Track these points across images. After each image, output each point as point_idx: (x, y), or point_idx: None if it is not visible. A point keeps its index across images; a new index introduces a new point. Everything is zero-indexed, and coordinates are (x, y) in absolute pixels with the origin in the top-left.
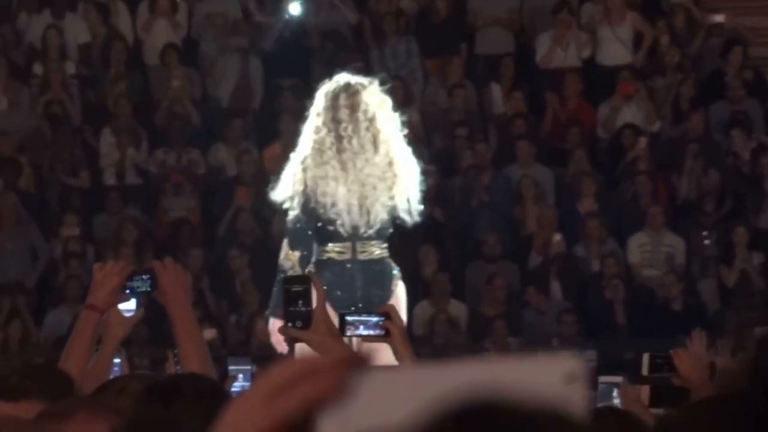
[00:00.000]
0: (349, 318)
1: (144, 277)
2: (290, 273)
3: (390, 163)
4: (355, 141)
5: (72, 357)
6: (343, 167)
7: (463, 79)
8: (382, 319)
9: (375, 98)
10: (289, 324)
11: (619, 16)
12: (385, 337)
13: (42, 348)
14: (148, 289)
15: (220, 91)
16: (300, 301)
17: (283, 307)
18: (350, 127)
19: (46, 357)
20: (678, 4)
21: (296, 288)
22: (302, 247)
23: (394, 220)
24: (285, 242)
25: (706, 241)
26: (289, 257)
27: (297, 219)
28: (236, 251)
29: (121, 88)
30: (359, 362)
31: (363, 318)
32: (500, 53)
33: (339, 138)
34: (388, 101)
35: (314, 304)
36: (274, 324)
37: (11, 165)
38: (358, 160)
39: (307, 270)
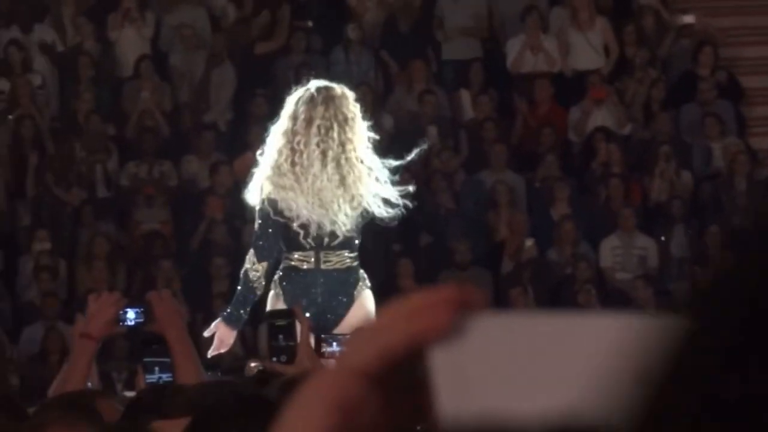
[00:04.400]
0: (323, 336)
1: (138, 309)
2: (257, 284)
3: (342, 178)
4: (305, 156)
5: (69, 385)
6: (297, 179)
7: (431, 85)
8: None
9: (337, 111)
10: (273, 358)
11: (588, 20)
12: None
13: (16, 364)
14: (142, 321)
15: (189, 102)
16: (281, 336)
17: (267, 341)
18: (303, 141)
19: (21, 373)
20: (647, 6)
21: (279, 323)
22: (269, 257)
23: (364, 227)
24: (251, 252)
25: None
26: (255, 267)
27: (263, 228)
28: (221, 259)
29: (91, 101)
30: (471, 302)
31: (338, 336)
32: (468, 59)
33: (293, 150)
34: (354, 110)
35: (298, 338)
36: (217, 324)
37: None
38: (309, 174)
39: (274, 278)
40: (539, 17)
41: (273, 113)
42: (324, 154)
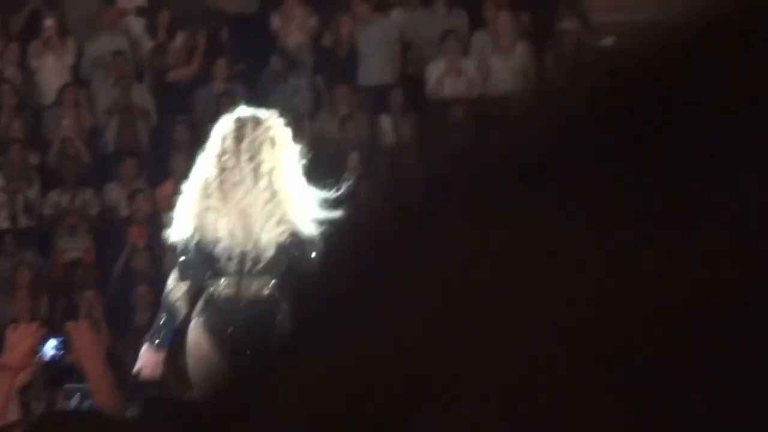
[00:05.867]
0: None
1: (57, 340)
2: (178, 303)
3: (273, 194)
4: (236, 171)
5: None
6: (224, 197)
7: (353, 110)
8: None
9: (266, 131)
10: None
11: (509, 45)
12: None
13: None
14: (61, 351)
15: (109, 129)
16: None
17: None
18: (232, 159)
19: None
20: (568, 30)
21: None
22: (189, 280)
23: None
24: (173, 275)
25: None
26: (176, 287)
27: (184, 252)
28: (144, 287)
29: (13, 130)
30: None
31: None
32: (387, 83)
33: (222, 170)
34: (282, 134)
35: None
36: (146, 350)
37: None
38: (238, 190)
39: (196, 307)
40: (458, 41)
41: (194, 140)
42: (256, 170)
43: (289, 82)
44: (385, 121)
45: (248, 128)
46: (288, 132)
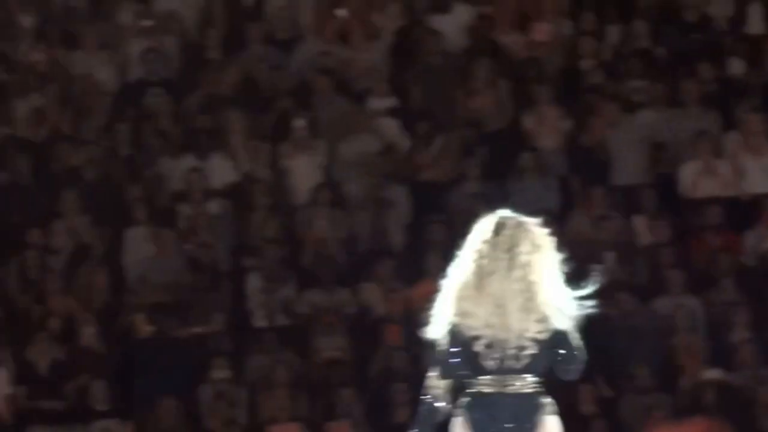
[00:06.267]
0: None
1: None
2: (439, 401)
3: (528, 286)
4: (492, 262)
5: None
6: (479, 287)
7: (607, 210)
8: None
9: (526, 231)
10: None
11: (760, 144)
12: None
13: None
14: None
15: (363, 229)
16: None
17: None
18: (489, 250)
19: None
20: None
21: None
22: (451, 377)
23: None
24: (432, 371)
25: None
26: (436, 384)
27: (443, 347)
28: (402, 385)
29: (268, 229)
30: None
31: None
32: (640, 183)
33: (480, 267)
34: (542, 235)
35: None
36: None
37: (155, 311)
38: (493, 280)
39: (459, 402)
40: (711, 142)
41: (449, 240)
42: (512, 260)
43: (539, 183)
44: (639, 222)
45: (508, 226)
46: (547, 234)
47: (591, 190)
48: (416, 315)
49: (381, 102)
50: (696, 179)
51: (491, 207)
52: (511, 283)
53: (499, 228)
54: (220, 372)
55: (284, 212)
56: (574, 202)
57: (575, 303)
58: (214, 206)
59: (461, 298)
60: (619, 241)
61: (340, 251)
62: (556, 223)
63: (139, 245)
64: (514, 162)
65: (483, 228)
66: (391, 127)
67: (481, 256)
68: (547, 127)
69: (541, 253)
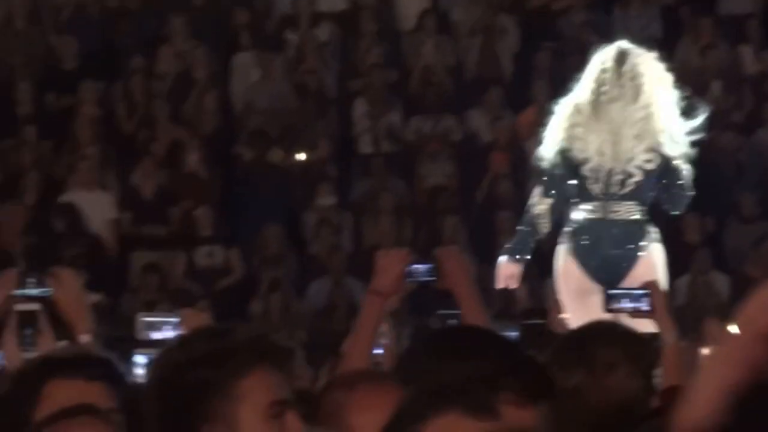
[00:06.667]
0: (611, 293)
1: (426, 265)
2: (540, 220)
3: (648, 115)
4: (616, 88)
5: (360, 342)
6: (596, 115)
7: (714, 39)
8: (646, 293)
9: (647, 61)
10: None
11: None
12: (650, 313)
13: (303, 318)
14: (430, 278)
15: (471, 56)
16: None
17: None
18: (613, 77)
19: (308, 328)
20: None
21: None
22: (555, 195)
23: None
24: (536, 190)
25: None
26: (539, 203)
27: (554, 167)
28: (507, 213)
29: (373, 55)
30: None
31: (627, 291)
32: (747, 13)
33: (599, 89)
34: (660, 65)
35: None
36: (505, 262)
37: (261, 137)
38: (614, 106)
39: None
40: None
41: (557, 68)
42: (637, 87)
43: (645, 12)
44: (745, 51)
45: (632, 56)
46: (663, 66)
47: (698, 20)
48: (522, 143)
49: None
50: None
51: (598, 35)
52: (634, 111)
53: (622, 58)
54: (326, 198)
55: (391, 38)
56: (681, 32)
57: (688, 133)
58: (321, 32)
59: (574, 125)
60: (725, 70)
61: (448, 78)
62: (663, 52)
63: (246, 71)
64: None
65: (603, 58)
66: None
67: (602, 84)
68: None
69: (663, 84)
